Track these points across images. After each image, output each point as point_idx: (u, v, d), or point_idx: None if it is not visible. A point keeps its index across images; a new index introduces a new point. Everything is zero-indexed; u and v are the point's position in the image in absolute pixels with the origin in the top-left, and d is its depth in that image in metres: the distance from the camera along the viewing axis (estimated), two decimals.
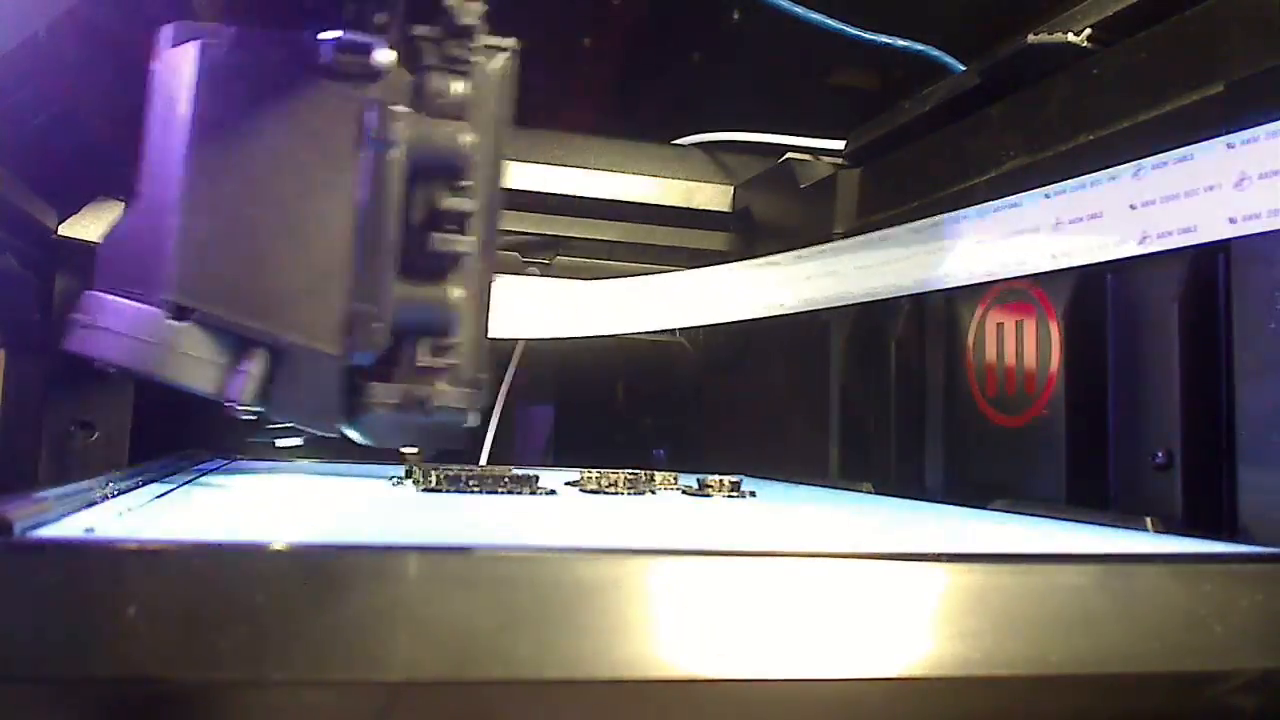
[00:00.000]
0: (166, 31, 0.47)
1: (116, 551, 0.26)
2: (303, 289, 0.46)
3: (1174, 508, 0.44)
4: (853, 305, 0.68)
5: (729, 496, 0.54)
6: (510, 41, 0.52)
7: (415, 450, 0.55)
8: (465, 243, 0.48)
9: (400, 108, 0.47)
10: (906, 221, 0.64)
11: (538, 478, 0.50)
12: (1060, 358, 0.52)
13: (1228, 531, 0.42)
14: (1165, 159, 0.46)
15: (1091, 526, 0.44)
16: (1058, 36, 0.53)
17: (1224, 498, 0.42)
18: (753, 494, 0.55)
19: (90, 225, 0.71)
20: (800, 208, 0.76)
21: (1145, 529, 0.43)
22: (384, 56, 0.47)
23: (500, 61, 0.51)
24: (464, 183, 0.49)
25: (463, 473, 0.50)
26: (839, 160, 0.75)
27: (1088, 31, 0.52)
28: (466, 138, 0.49)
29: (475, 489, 0.49)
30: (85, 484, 0.37)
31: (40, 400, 0.70)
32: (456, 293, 0.49)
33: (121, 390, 0.70)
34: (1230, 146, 0.43)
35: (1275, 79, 0.42)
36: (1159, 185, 0.46)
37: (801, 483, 0.69)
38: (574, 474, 0.57)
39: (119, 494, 0.38)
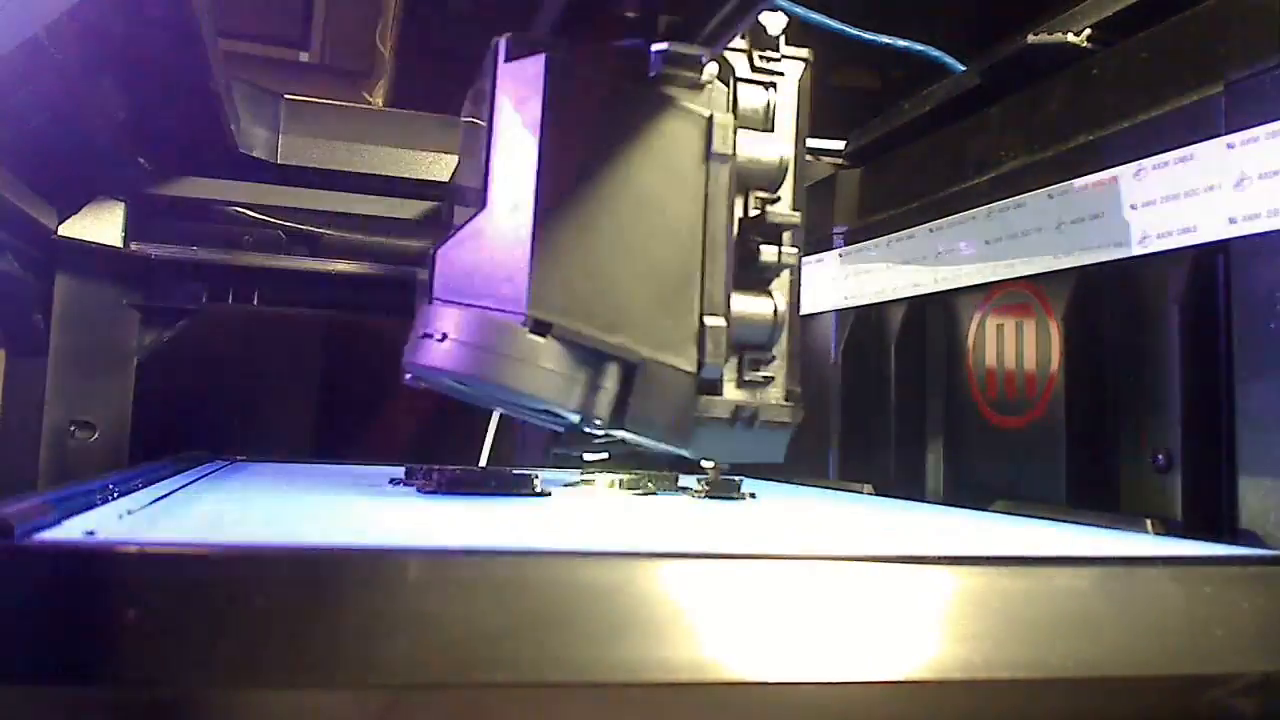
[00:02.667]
0: (503, 43, 0.45)
1: (117, 554, 0.26)
2: (655, 303, 0.44)
3: (1174, 509, 0.44)
4: (853, 307, 0.68)
5: (730, 498, 0.54)
6: (805, 52, 0.52)
7: (713, 465, 0.55)
8: (791, 255, 0.48)
9: (730, 120, 0.47)
10: (907, 221, 0.64)
11: (538, 479, 0.50)
12: (1060, 359, 0.52)
13: (1228, 533, 0.42)
14: (1165, 159, 0.46)
15: (1091, 528, 0.44)
16: (1057, 37, 0.53)
17: (1224, 499, 0.42)
18: (753, 495, 0.55)
19: (90, 225, 0.72)
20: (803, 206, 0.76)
21: (1145, 531, 0.43)
22: (710, 69, 0.46)
23: (800, 71, 0.51)
24: (779, 195, 0.49)
25: (463, 474, 0.50)
26: (839, 160, 0.75)
27: (1087, 32, 0.52)
28: (785, 150, 0.49)
29: (475, 491, 0.49)
30: (86, 486, 0.37)
31: (40, 400, 0.70)
32: (781, 305, 0.49)
33: (121, 391, 0.70)
34: (1230, 146, 0.43)
35: (1275, 79, 0.42)
36: (1159, 185, 0.46)
37: (802, 484, 0.69)
38: (574, 475, 0.57)
39: (119, 496, 0.38)
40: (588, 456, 0.52)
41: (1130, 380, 0.48)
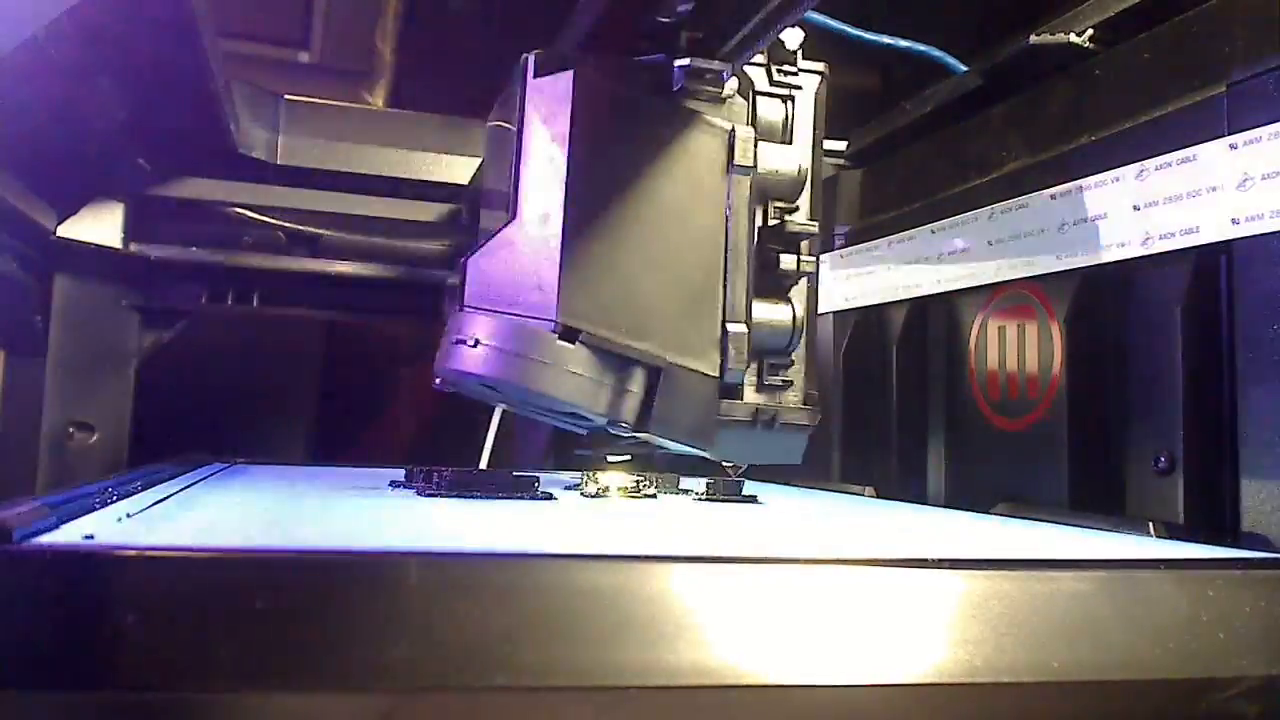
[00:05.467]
0: (531, 58, 0.47)
1: (116, 558, 0.26)
2: (679, 310, 0.46)
3: (1176, 512, 0.44)
4: (854, 307, 0.68)
5: (730, 501, 0.54)
6: (821, 65, 0.53)
7: (741, 467, 0.56)
8: (809, 263, 0.50)
9: (751, 133, 0.48)
10: (909, 222, 0.63)
11: (538, 481, 0.50)
12: (1062, 360, 0.51)
13: (1230, 536, 0.42)
14: (1168, 159, 0.46)
15: (1094, 531, 0.44)
16: (1060, 37, 0.53)
17: (1227, 502, 0.42)
18: (754, 498, 0.55)
19: (89, 226, 0.71)
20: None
21: (1148, 534, 0.43)
22: (731, 83, 0.48)
23: (817, 84, 0.53)
24: (797, 204, 0.51)
25: (463, 476, 0.50)
26: (841, 160, 0.75)
27: (1089, 32, 0.52)
28: (804, 162, 0.51)
29: (475, 493, 0.49)
30: (84, 489, 0.37)
31: (39, 401, 0.69)
32: (800, 311, 0.50)
33: (121, 392, 0.70)
34: (1233, 147, 0.43)
35: (1277, 79, 0.42)
36: (1161, 186, 0.46)
37: (803, 486, 0.69)
38: (575, 477, 0.57)
39: (118, 499, 0.38)
40: (611, 458, 0.54)
41: (1132, 382, 0.48)
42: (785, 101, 0.51)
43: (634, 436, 0.48)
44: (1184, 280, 0.45)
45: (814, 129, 0.52)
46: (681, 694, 0.27)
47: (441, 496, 0.48)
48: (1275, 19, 0.42)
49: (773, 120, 0.51)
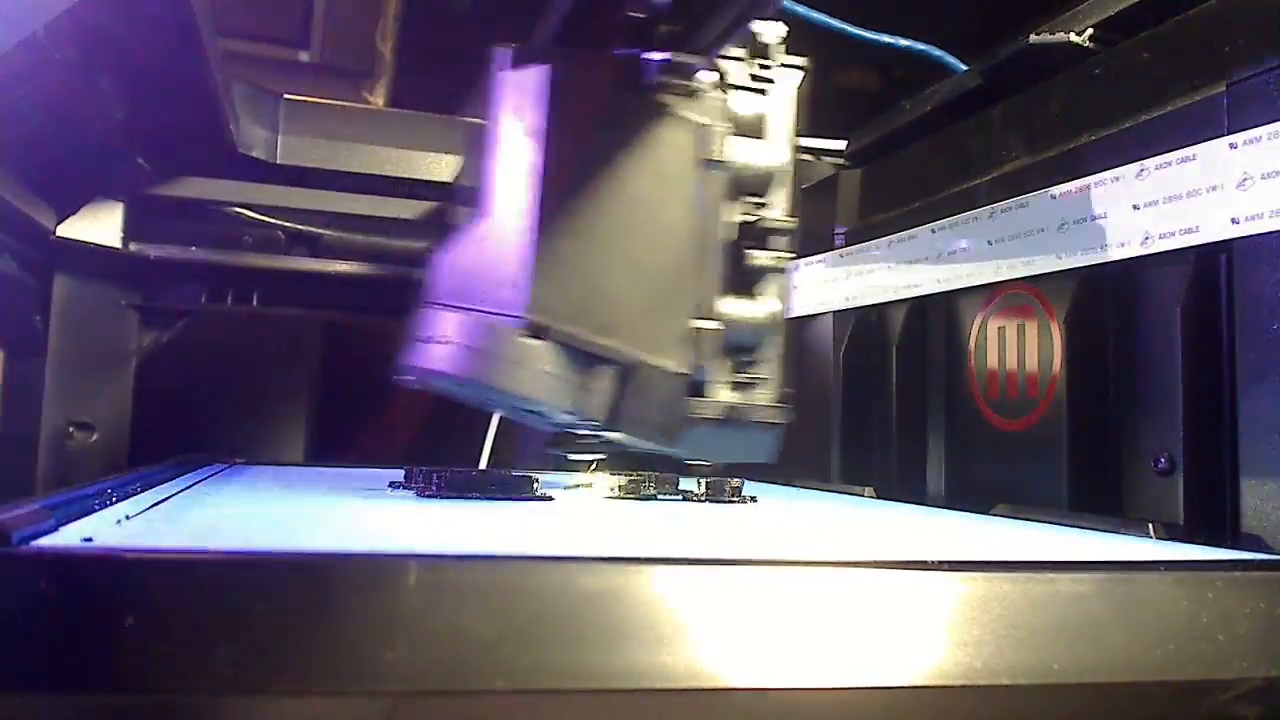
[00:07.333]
0: (504, 53, 0.47)
1: (115, 561, 0.26)
2: (649, 307, 0.46)
3: (1176, 513, 0.44)
4: (854, 308, 0.68)
5: (730, 502, 0.54)
6: (803, 60, 0.53)
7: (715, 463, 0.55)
8: (782, 260, 0.49)
9: (723, 127, 0.48)
10: (909, 222, 0.63)
11: (538, 481, 0.50)
12: (1062, 361, 0.51)
13: (1230, 537, 0.42)
14: (1168, 159, 0.46)
15: (1093, 532, 0.44)
16: (1060, 36, 0.53)
17: (1227, 503, 0.42)
18: (754, 499, 0.55)
19: (89, 226, 0.71)
20: (802, 208, 0.76)
21: (1148, 535, 0.43)
22: (707, 77, 0.47)
23: (797, 80, 0.52)
24: (771, 199, 0.50)
25: (462, 477, 0.50)
26: (840, 160, 0.75)
27: (1089, 31, 0.52)
28: (778, 157, 0.50)
29: (475, 494, 0.49)
30: (83, 490, 0.37)
31: (39, 401, 0.70)
32: (775, 307, 0.50)
33: (121, 392, 0.70)
34: (1233, 146, 0.43)
35: (1277, 79, 0.42)
36: (1161, 185, 0.46)
37: (803, 486, 0.69)
38: (575, 478, 0.57)
39: (118, 500, 0.38)
40: (576, 457, 0.53)
41: (1132, 382, 0.48)
42: (761, 96, 0.51)
43: (598, 435, 0.47)
44: (1184, 280, 0.45)
45: (792, 123, 0.52)
46: (679, 697, 0.27)
47: (441, 498, 0.48)
48: (1275, 19, 0.42)
49: (748, 115, 0.50)
